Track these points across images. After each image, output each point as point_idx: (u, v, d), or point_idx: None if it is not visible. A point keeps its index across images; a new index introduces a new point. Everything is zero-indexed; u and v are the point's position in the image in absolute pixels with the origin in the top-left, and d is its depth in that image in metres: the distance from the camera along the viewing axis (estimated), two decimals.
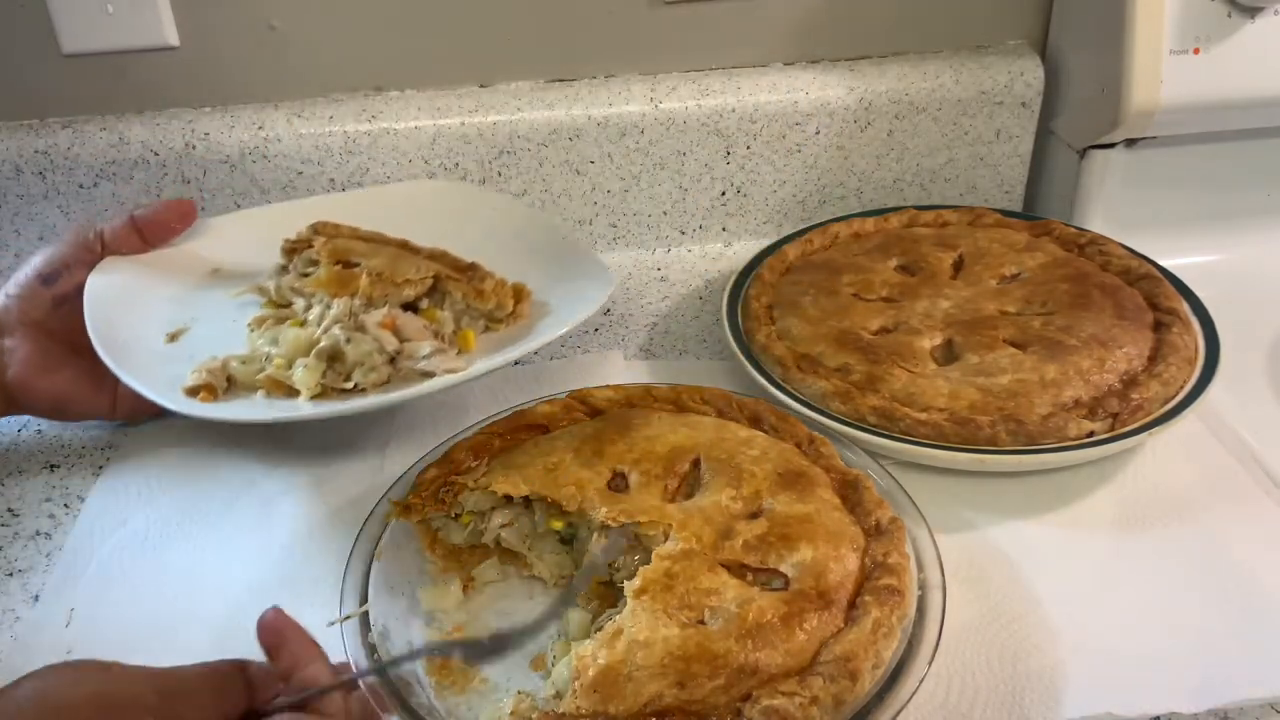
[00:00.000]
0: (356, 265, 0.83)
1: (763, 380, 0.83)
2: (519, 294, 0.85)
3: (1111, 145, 1.02)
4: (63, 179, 1.00)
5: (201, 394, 0.75)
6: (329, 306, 0.79)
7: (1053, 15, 1.07)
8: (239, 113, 1.02)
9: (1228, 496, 0.76)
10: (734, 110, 1.04)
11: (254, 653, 0.55)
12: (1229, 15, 0.93)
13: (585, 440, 0.73)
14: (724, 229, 1.12)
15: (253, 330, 0.82)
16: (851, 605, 0.62)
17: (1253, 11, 0.93)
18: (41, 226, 1.02)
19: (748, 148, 1.07)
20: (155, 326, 0.82)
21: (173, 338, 0.82)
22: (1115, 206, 1.05)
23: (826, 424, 0.78)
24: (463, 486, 0.70)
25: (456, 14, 1.01)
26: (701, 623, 0.59)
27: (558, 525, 0.70)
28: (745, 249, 1.06)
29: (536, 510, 0.71)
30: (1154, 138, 1.01)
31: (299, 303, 0.83)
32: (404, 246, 0.88)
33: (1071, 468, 0.78)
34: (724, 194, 1.10)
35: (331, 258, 0.83)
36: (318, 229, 0.88)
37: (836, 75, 1.06)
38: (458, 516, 0.72)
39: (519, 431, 0.76)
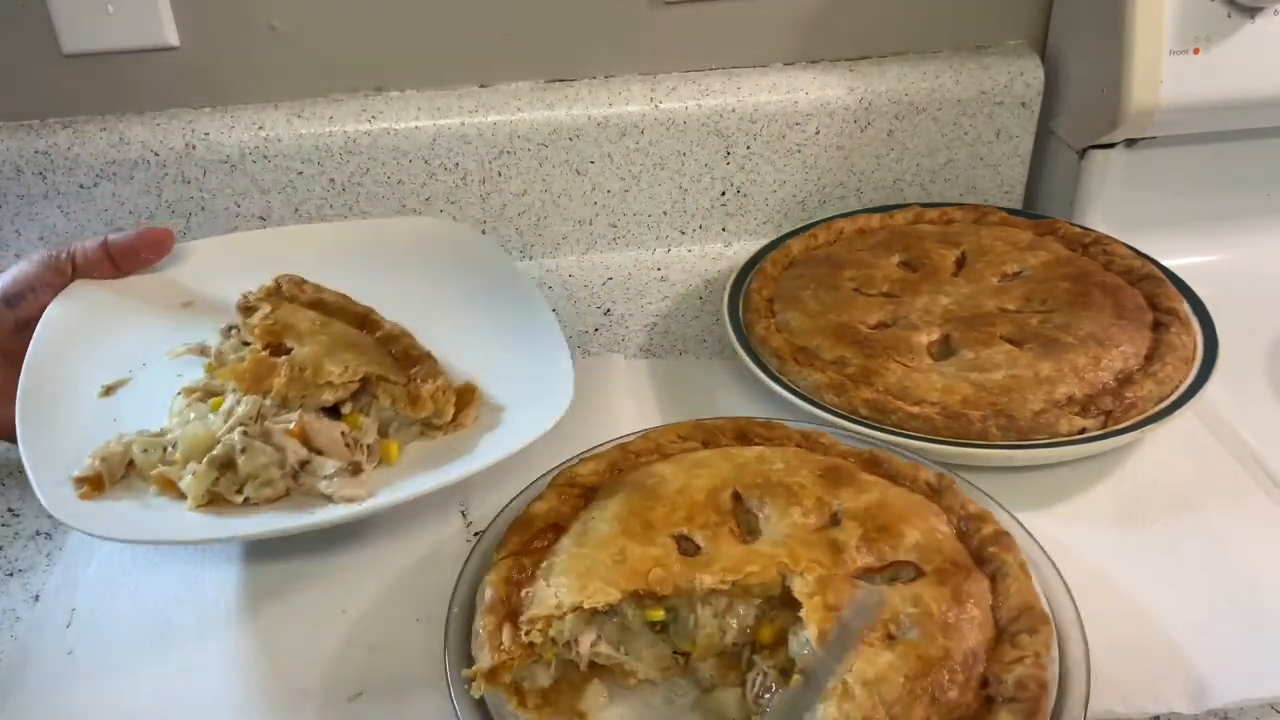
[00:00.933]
0: (288, 351, 0.75)
1: (759, 372, 0.83)
2: (464, 398, 0.77)
3: (1111, 145, 1.02)
4: (63, 179, 1.00)
5: (85, 488, 0.68)
6: (240, 403, 0.72)
7: (1053, 15, 1.07)
8: (239, 113, 1.02)
9: (1227, 495, 0.76)
10: (734, 110, 1.05)
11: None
12: (1229, 15, 0.93)
13: (622, 519, 0.66)
14: (724, 229, 1.12)
15: (180, 398, 0.75)
16: (979, 560, 0.63)
17: (1253, 11, 0.93)
18: (42, 226, 1.02)
19: (748, 148, 1.07)
20: (97, 372, 0.77)
21: (109, 391, 0.77)
22: (1115, 206, 1.05)
23: (820, 416, 0.78)
24: (548, 618, 0.60)
25: (456, 14, 1.01)
26: (892, 637, 0.58)
27: (658, 615, 0.62)
28: (745, 249, 1.06)
29: (627, 610, 0.62)
30: (1154, 138, 1.01)
31: (225, 346, 0.79)
32: (364, 321, 0.82)
33: (1070, 465, 0.78)
34: (724, 194, 1.10)
35: (263, 338, 0.76)
36: (280, 286, 0.82)
37: (836, 75, 1.06)
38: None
39: (534, 540, 0.67)
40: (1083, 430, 0.75)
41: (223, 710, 0.63)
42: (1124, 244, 0.94)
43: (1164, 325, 0.84)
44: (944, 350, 0.84)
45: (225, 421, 0.71)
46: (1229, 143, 1.03)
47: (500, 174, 1.05)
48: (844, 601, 0.59)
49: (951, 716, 0.55)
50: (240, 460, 0.68)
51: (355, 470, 0.71)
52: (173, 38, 0.99)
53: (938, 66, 1.07)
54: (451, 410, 0.76)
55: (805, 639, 0.58)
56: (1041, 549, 0.66)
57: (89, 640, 0.68)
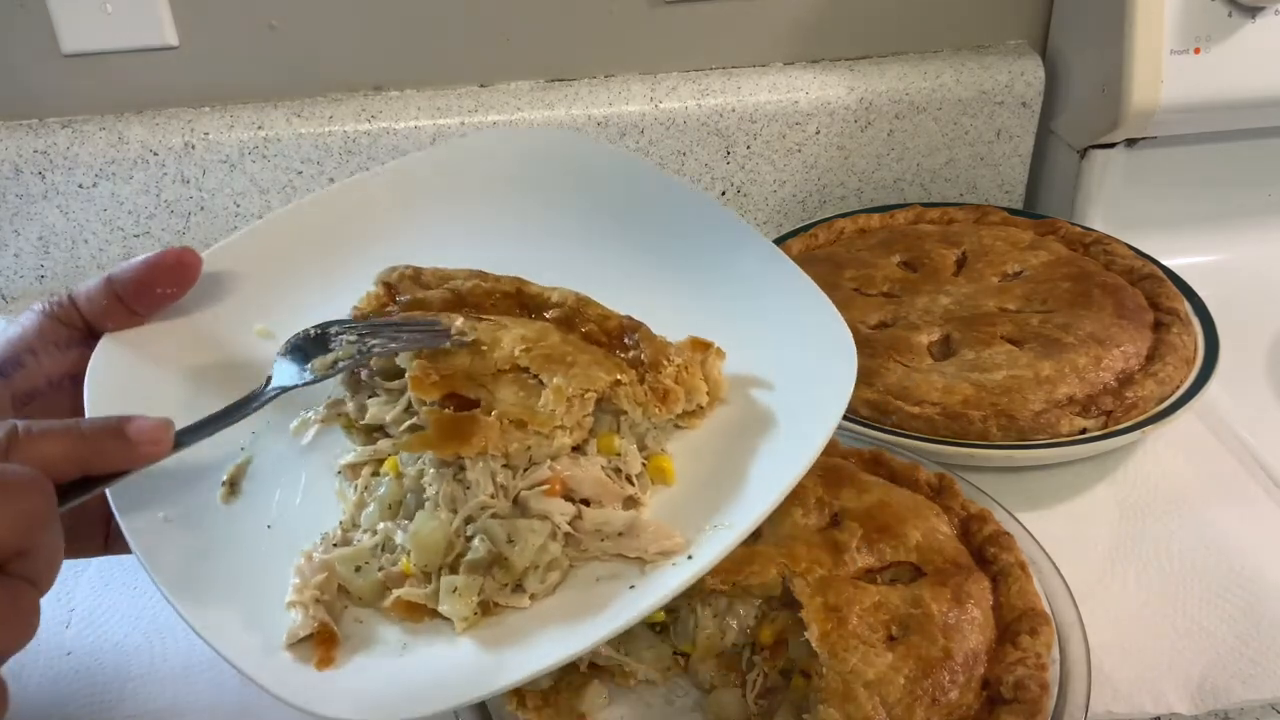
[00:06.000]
0: (475, 400, 0.55)
1: None
2: (708, 363, 0.59)
3: (1112, 145, 1.02)
4: (62, 179, 1.00)
5: (319, 653, 0.49)
6: (462, 482, 0.53)
7: (1053, 15, 1.07)
8: (238, 112, 1.01)
9: (1228, 496, 0.76)
10: (734, 110, 1.04)
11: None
12: (1229, 15, 0.93)
13: None
14: None
15: (345, 484, 0.57)
16: (980, 561, 0.63)
17: (1253, 11, 0.93)
18: (41, 226, 1.02)
19: (748, 148, 1.07)
20: (202, 465, 0.56)
21: (232, 487, 0.56)
22: (1115, 206, 1.05)
23: None
24: None
25: (456, 14, 1.01)
26: (893, 639, 0.58)
27: (658, 616, 0.61)
28: None
29: None
30: (1154, 138, 1.01)
31: (388, 415, 0.57)
32: (523, 301, 0.62)
33: (1070, 465, 0.78)
34: (724, 194, 1.10)
35: (432, 393, 0.54)
36: (394, 288, 0.62)
37: (836, 75, 1.06)
38: None
39: None
40: (1083, 430, 0.75)
41: (222, 708, 0.63)
42: (1124, 244, 0.94)
43: (1165, 325, 0.84)
44: (944, 350, 0.84)
45: (451, 508, 0.53)
46: (1229, 143, 1.03)
47: None
48: (845, 602, 0.59)
49: (952, 717, 0.55)
50: (512, 552, 0.51)
51: (633, 507, 0.55)
52: (172, 37, 0.99)
53: (938, 66, 1.07)
54: (704, 387, 0.58)
55: (813, 636, 0.58)
56: (1042, 549, 0.66)
57: (89, 640, 0.68)
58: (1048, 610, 0.60)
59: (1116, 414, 0.76)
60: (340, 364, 0.57)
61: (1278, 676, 0.62)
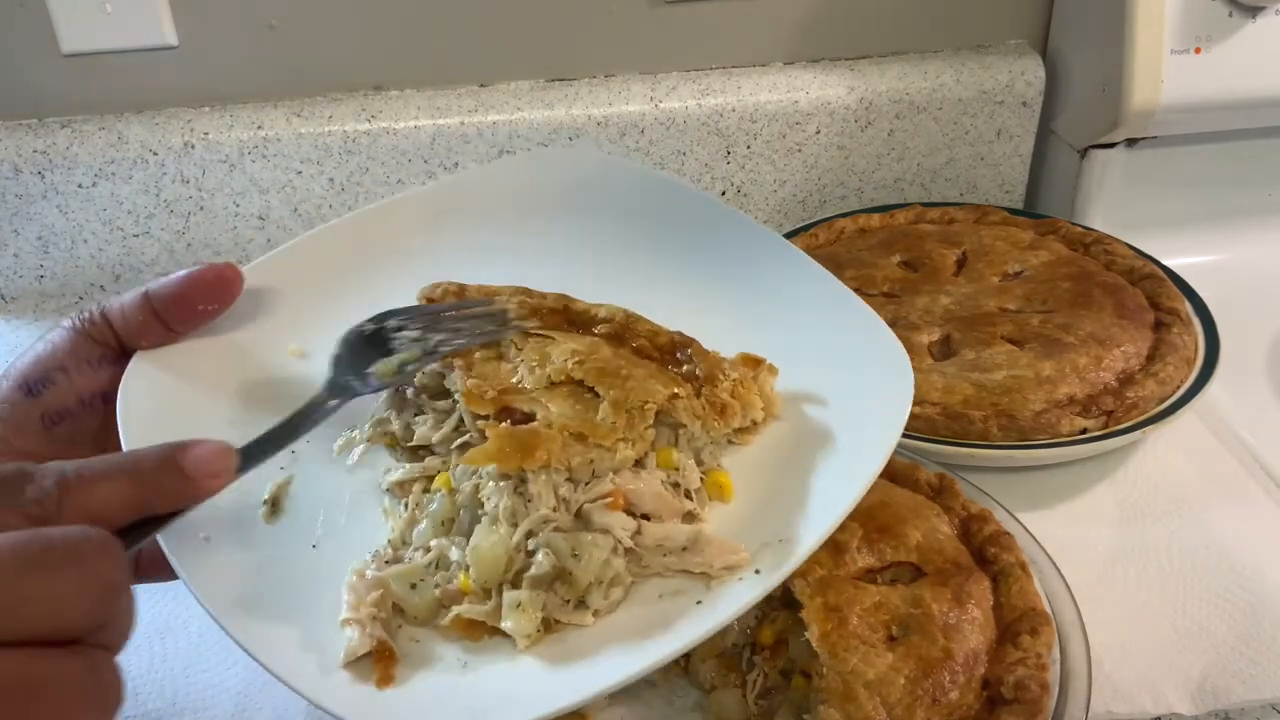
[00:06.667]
0: (529, 415, 0.54)
1: None
2: (760, 379, 0.59)
3: (1112, 145, 1.02)
4: (61, 178, 1.00)
5: (378, 670, 0.48)
6: (523, 495, 0.52)
7: (1053, 15, 1.07)
8: (238, 112, 1.01)
9: (1228, 496, 0.76)
10: (734, 110, 1.04)
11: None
12: (1230, 15, 0.94)
13: None
14: None
15: (394, 503, 0.56)
16: (980, 561, 0.63)
17: (1253, 11, 0.93)
18: (40, 226, 1.02)
19: (748, 147, 1.07)
20: (242, 485, 0.52)
21: (274, 507, 0.55)
22: (1116, 206, 1.05)
23: None
24: None
25: (456, 14, 1.01)
26: (893, 639, 0.58)
27: None
28: None
29: None
30: (1154, 138, 1.01)
31: (435, 435, 0.57)
32: (570, 317, 0.62)
33: (1070, 465, 0.78)
34: (724, 194, 1.10)
35: (487, 407, 0.54)
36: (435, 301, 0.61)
37: (837, 75, 1.06)
38: None
39: None
40: (1084, 430, 0.75)
41: (221, 708, 0.63)
42: (1125, 244, 0.94)
43: (1165, 325, 0.84)
44: (945, 350, 0.84)
45: (512, 522, 0.52)
46: (1230, 143, 1.03)
47: None
48: (845, 602, 0.58)
49: (953, 718, 0.55)
50: (576, 566, 0.51)
51: (691, 522, 0.54)
52: (171, 37, 0.99)
53: (938, 66, 1.07)
54: (759, 403, 0.58)
55: (812, 636, 0.58)
56: (1043, 549, 0.66)
57: None
58: (1048, 610, 0.60)
59: (1117, 414, 0.76)
60: (408, 367, 0.56)
61: (1278, 676, 0.62)
